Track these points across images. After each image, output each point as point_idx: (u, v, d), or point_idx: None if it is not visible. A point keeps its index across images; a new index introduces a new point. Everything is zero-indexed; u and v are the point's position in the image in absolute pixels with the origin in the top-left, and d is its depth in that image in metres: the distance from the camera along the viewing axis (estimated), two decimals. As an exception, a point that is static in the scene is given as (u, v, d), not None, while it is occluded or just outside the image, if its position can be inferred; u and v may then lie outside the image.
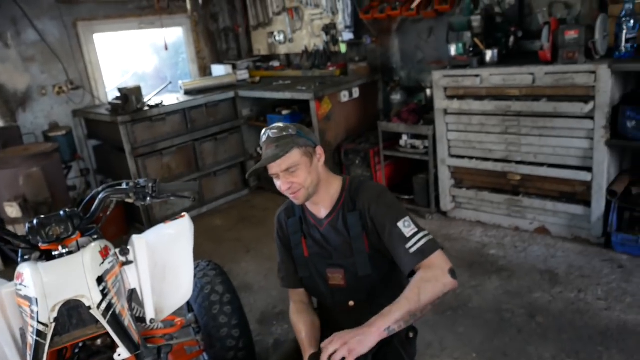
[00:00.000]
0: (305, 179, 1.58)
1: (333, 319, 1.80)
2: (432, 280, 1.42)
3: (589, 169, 3.09)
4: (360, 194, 1.64)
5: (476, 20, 3.55)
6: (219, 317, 2.05)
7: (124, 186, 1.71)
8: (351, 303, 1.72)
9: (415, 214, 4.08)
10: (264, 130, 1.64)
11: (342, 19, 4.73)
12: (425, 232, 1.52)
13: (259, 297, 3.20)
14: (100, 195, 1.69)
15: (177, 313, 2.34)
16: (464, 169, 3.75)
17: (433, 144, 3.80)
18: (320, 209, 1.70)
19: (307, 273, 1.76)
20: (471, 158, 3.65)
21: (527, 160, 3.36)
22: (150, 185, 1.68)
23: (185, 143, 4.53)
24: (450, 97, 3.59)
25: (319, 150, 1.65)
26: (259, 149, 1.60)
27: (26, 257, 1.61)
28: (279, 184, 1.61)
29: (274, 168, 1.57)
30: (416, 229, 1.52)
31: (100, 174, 4.90)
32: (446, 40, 3.83)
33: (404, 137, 4.03)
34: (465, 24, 3.62)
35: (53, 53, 4.52)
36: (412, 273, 1.49)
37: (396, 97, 4.54)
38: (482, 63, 3.47)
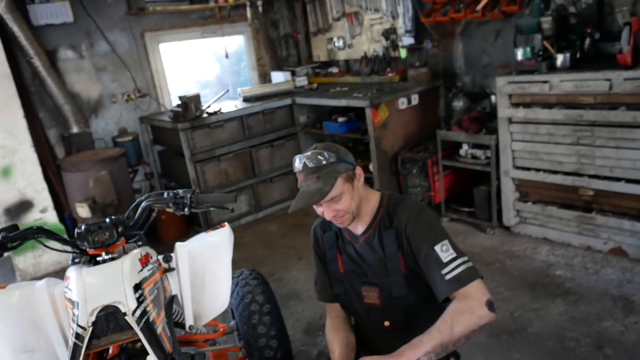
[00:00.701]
0: (349, 205, 1.54)
1: (369, 338, 1.75)
2: (466, 312, 1.33)
3: (673, 185, 2.77)
4: (398, 211, 1.56)
5: (546, 22, 3.30)
6: (258, 327, 2.02)
7: (164, 196, 1.73)
8: (387, 323, 1.65)
9: (475, 228, 3.88)
10: (297, 158, 1.57)
11: (403, 23, 4.62)
12: (465, 259, 1.43)
13: (307, 306, 3.16)
14: (143, 204, 1.72)
15: (220, 319, 2.37)
16: (529, 182, 3.50)
17: (496, 154, 3.58)
18: (357, 225, 1.64)
19: (342, 289, 1.71)
20: (538, 170, 3.40)
21: (602, 174, 3.07)
22: (188, 196, 1.69)
23: (242, 149, 4.60)
24: (516, 105, 3.37)
25: (359, 170, 1.59)
26: (297, 175, 1.57)
27: (76, 260, 1.67)
28: (320, 210, 1.56)
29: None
30: (454, 254, 1.43)
31: (164, 178, 5.10)
32: (514, 43, 3.62)
33: (465, 147, 3.84)
34: (535, 25, 3.38)
35: (122, 63, 4.77)
36: (447, 299, 1.40)
37: (458, 104, 4.34)
38: (552, 68, 3.23)
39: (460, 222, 4.02)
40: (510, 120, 3.43)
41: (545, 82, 3.14)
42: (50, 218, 4.02)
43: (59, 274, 2.20)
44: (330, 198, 1.49)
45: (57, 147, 4.52)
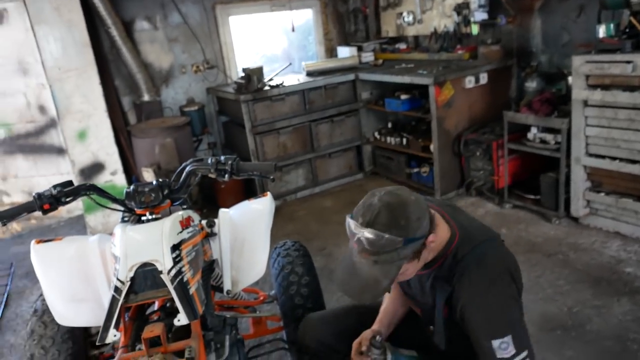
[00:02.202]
0: (409, 276, 1.37)
1: (417, 325, 1.67)
2: None
3: None
4: (463, 278, 1.32)
5: (637, -4, 2.98)
6: (295, 298, 2.04)
7: (208, 162, 1.77)
8: (431, 327, 1.53)
9: (540, 217, 3.66)
10: (352, 223, 1.28)
11: (477, -3, 4.35)
12: (523, 355, 1.26)
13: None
14: (187, 169, 1.77)
15: (262, 288, 2.42)
16: (603, 171, 3.23)
17: (567, 139, 3.33)
18: None
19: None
20: (614, 159, 3.13)
21: (687, 165, 2.77)
22: (230, 163, 1.71)
23: (302, 123, 4.62)
24: (593, 87, 3.10)
25: (431, 238, 1.30)
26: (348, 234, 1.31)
27: (125, 219, 1.76)
28: None
29: None
30: (514, 352, 1.26)
31: (226, 148, 5.25)
32: (597, 19, 3.31)
33: (533, 130, 3.59)
34: (622, 0, 3.07)
35: (193, 34, 4.91)
36: None
37: (532, 84, 4.05)
38: (637, 47, 2.92)
39: (524, 209, 3.81)
40: (585, 103, 3.16)
41: (628, 62, 2.85)
42: (119, 180, 4.28)
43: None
44: None
45: (130, 114, 4.78)
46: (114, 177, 4.27)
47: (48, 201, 1.61)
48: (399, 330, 1.68)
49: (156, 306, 1.79)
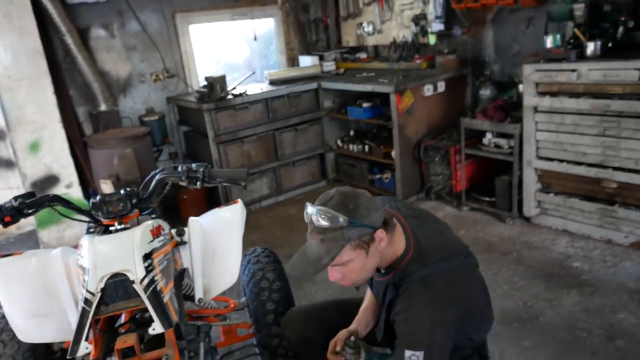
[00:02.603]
0: (359, 274, 1.41)
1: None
2: None
3: (702, 181, 2.67)
4: (406, 289, 1.40)
5: (579, 9, 3.20)
6: (267, 304, 2.06)
7: (178, 170, 1.77)
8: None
9: (495, 218, 3.83)
10: (309, 205, 1.40)
11: (433, 9, 4.52)
12: None
13: (321, 288, 3.19)
14: (157, 177, 1.76)
15: (232, 296, 2.42)
16: (552, 173, 3.43)
17: (519, 144, 3.51)
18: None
19: None
20: (561, 161, 3.33)
21: (627, 166, 2.98)
22: (201, 170, 1.72)
23: (266, 132, 4.64)
24: (542, 94, 3.29)
25: (380, 234, 1.37)
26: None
27: (91, 230, 1.73)
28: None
29: None
30: None
31: (188, 158, 5.19)
32: (545, 31, 3.52)
33: (488, 135, 3.77)
34: (567, 12, 3.29)
35: (152, 43, 4.85)
36: None
37: (485, 92, 4.25)
38: (581, 56, 3.13)
39: (480, 211, 3.97)
40: (535, 109, 3.35)
41: (573, 70, 3.05)
42: (75, 193, 4.16)
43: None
44: (335, 264, 1.37)
45: (85, 124, 4.64)
46: (69, 190, 4.15)
47: (9, 213, 1.57)
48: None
49: (123, 319, 1.77)
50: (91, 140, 4.27)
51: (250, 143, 4.57)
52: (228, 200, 4.52)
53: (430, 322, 1.34)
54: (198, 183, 1.77)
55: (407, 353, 1.32)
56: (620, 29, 3.18)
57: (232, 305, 2.31)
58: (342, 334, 1.61)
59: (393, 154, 4.28)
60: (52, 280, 1.72)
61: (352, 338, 1.57)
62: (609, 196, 3.16)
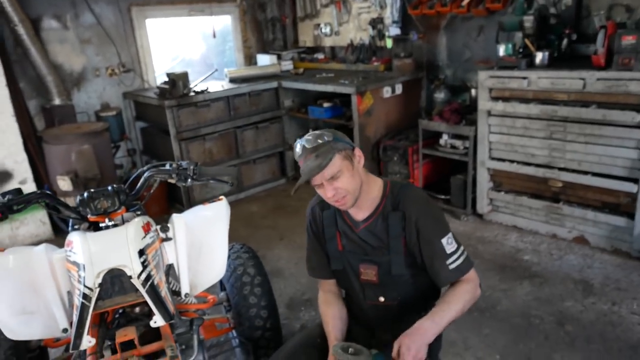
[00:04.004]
0: (349, 184, 1.56)
1: (361, 311, 1.80)
2: (470, 292, 1.57)
3: (635, 180, 2.99)
4: (406, 200, 1.63)
5: (528, 21, 3.46)
6: (249, 298, 2.12)
7: (167, 167, 1.79)
8: (382, 299, 1.72)
9: (450, 215, 4.05)
10: (297, 142, 1.60)
11: (390, 14, 4.71)
12: (462, 249, 1.61)
13: (289, 283, 3.27)
14: (146, 174, 1.79)
15: (210, 291, 2.45)
16: (503, 172, 3.69)
17: (474, 145, 3.75)
18: (359, 212, 1.67)
19: (341, 266, 1.75)
20: (512, 162, 3.59)
21: (571, 167, 3.28)
22: (191, 167, 1.76)
23: (227, 130, 4.64)
24: (495, 99, 3.53)
25: (358, 152, 1.61)
26: (298, 161, 1.59)
27: (76, 226, 1.72)
28: (322, 192, 1.59)
29: (317, 179, 1.54)
30: (456, 246, 1.60)
31: (145, 155, 5.09)
32: (496, 40, 3.77)
33: (444, 137, 3.99)
34: (517, 24, 3.55)
35: (108, 36, 4.72)
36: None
37: (440, 95, 4.50)
38: (531, 65, 3.40)
39: (436, 209, 4.19)
40: (489, 113, 3.59)
41: (524, 78, 3.31)
42: (29, 190, 3.90)
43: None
44: (330, 175, 1.51)
45: (37, 119, 4.45)
46: (23, 186, 3.96)
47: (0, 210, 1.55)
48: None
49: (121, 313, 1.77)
50: (46, 135, 4.10)
51: (212, 140, 4.56)
52: (189, 198, 4.50)
53: (438, 208, 1.70)
54: (188, 180, 1.81)
55: (444, 240, 1.57)
56: (565, 41, 3.49)
57: (211, 301, 2.35)
58: (335, 348, 1.50)
59: (354, 153, 4.41)
60: (37, 278, 1.69)
61: (351, 349, 1.45)
62: (555, 194, 3.45)
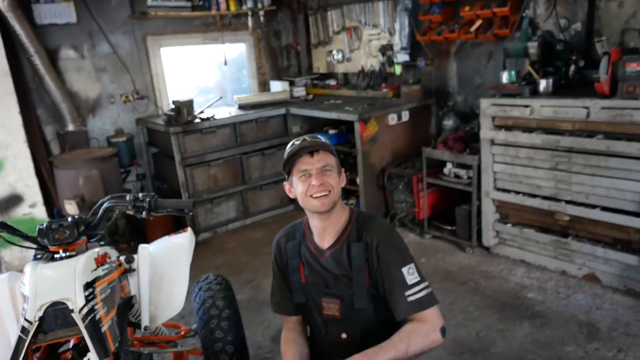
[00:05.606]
0: (336, 185, 1.60)
1: (324, 350, 1.76)
2: (422, 334, 1.46)
3: (645, 216, 2.79)
4: (370, 228, 1.62)
5: (533, 47, 3.34)
6: (216, 331, 2.05)
7: (126, 199, 1.79)
8: (344, 335, 1.68)
9: (455, 247, 3.90)
10: (295, 140, 1.65)
11: (399, 40, 4.68)
12: (426, 284, 1.54)
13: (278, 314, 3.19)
14: (105, 205, 1.78)
15: (184, 323, 2.41)
16: (509, 204, 3.53)
17: (478, 174, 3.61)
18: (325, 237, 1.66)
19: (303, 299, 1.73)
20: (517, 193, 3.43)
21: (578, 200, 3.09)
22: (147, 200, 1.74)
23: (233, 156, 4.66)
24: (498, 127, 3.41)
25: (343, 174, 1.68)
26: (291, 150, 1.70)
27: (38, 256, 1.72)
28: (306, 183, 1.57)
29: (308, 163, 1.57)
30: (419, 278, 1.54)
31: (157, 180, 5.17)
32: (503, 66, 3.66)
33: (449, 165, 3.88)
34: (522, 50, 3.43)
35: (123, 65, 4.87)
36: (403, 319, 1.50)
37: (449, 122, 4.41)
38: (534, 93, 3.27)
39: (441, 239, 4.04)
40: (492, 142, 3.46)
41: (526, 106, 3.18)
42: (39, 213, 4.09)
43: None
44: (322, 165, 1.57)
45: (53, 144, 4.61)
46: (33, 209, 4.08)
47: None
48: None
49: (71, 344, 1.75)
50: (57, 160, 4.23)
51: (217, 166, 4.59)
52: (194, 222, 4.52)
53: (401, 239, 1.64)
54: (144, 212, 1.79)
55: (405, 270, 1.53)
56: (572, 67, 3.35)
57: (182, 332, 2.31)
58: None
59: (358, 180, 4.35)
60: (-3, 307, 1.70)
61: None
62: (563, 228, 3.25)
